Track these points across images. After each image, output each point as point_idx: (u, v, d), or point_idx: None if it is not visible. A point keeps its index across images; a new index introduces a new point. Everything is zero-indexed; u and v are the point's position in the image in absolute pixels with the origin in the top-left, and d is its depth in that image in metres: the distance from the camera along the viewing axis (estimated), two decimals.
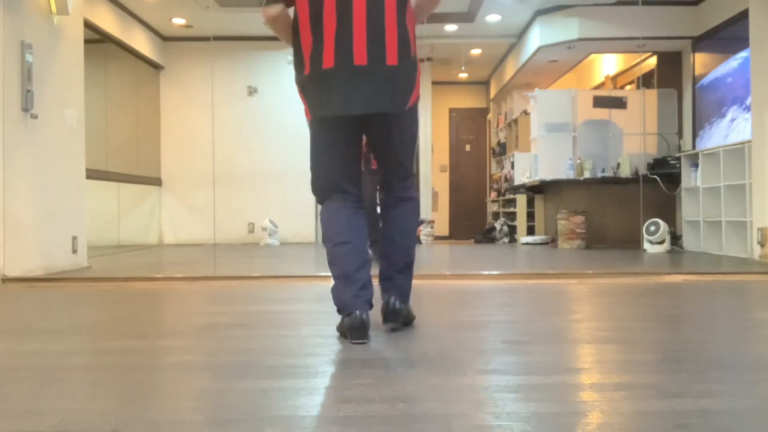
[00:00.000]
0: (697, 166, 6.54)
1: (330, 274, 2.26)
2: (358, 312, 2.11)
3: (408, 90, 2.21)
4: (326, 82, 2.15)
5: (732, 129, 6.22)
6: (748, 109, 5.76)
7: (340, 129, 2.24)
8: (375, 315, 2.26)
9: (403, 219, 2.38)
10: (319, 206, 2.36)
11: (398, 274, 2.32)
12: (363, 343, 2.11)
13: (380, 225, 2.42)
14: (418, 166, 8.14)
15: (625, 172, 7.34)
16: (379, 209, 2.50)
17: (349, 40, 2.11)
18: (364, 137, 2.37)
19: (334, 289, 2.21)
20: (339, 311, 2.20)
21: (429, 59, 9.08)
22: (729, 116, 6.34)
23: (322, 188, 2.32)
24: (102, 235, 7.02)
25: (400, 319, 2.32)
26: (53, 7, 4.59)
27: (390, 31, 2.13)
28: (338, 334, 2.26)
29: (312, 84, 2.19)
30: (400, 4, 2.17)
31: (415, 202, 2.42)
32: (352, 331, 2.12)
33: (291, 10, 2.27)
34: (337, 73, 2.13)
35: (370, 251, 2.34)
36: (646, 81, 7.83)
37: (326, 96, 2.17)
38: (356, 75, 2.12)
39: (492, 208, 10.53)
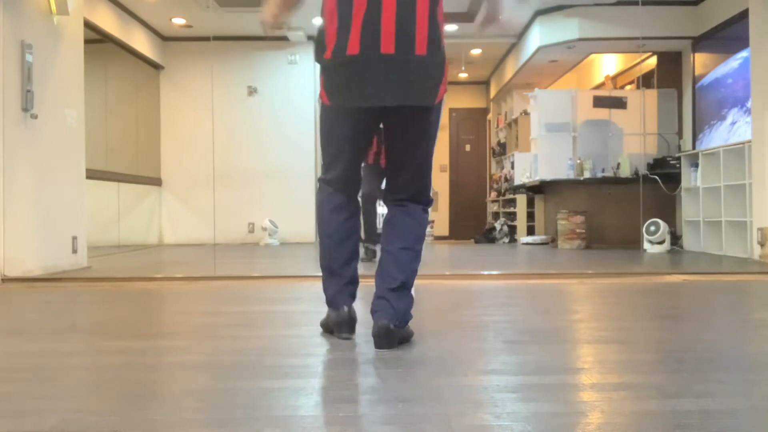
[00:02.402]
0: (697, 166, 6.54)
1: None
2: (345, 308, 2.13)
3: (437, 83, 2.07)
4: (350, 70, 2.02)
5: (733, 133, 6.20)
6: (748, 112, 5.74)
7: (357, 120, 2.11)
8: (368, 317, 2.24)
9: (404, 232, 2.15)
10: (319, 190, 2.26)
11: (392, 293, 2.07)
12: (349, 339, 2.13)
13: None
14: None
15: (625, 172, 7.34)
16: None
17: (377, 26, 1.97)
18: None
19: (323, 281, 2.22)
20: (327, 303, 2.21)
21: None
22: (729, 119, 6.33)
23: (324, 179, 2.24)
24: (102, 235, 7.02)
25: (393, 342, 2.05)
26: (53, 7, 4.58)
27: (420, 20, 2.00)
28: (322, 330, 2.28)
29: (334, 69, 2.06)
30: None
31: (424, 213, 2.21)
32: (339, 326, 2.13)
33: None
34: (363, 60, 1.99)
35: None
36: (646, 81, 7.83)
37: (349, 84, 2.04)
38: (383, 64, 1.99)
39: (492, 208, 10.52)
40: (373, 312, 2.07)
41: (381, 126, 2.18)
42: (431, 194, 2.25)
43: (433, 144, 2.19)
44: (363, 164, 3.87)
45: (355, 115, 2.10)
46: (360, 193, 2.30)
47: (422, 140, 2.14)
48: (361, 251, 5.35)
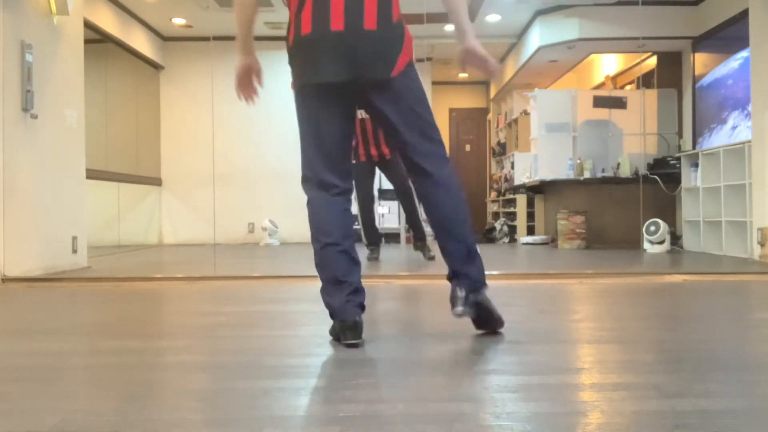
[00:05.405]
0: (697, 166, 6.53)
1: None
2: (355, 318, 2.06)
3: (391, 56, 2.07)
4: (305, 49, 2.08)
5: (733, 137, 6.17)
6: (749, 115, 5.73)
7: (323, 101, 2.12)
8: (368, 317, 2.25)
9: (443, 206, 2.19)
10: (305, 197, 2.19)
11: (463, 265, 2.20)
12: (357, 345, 2.05)
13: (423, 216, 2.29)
14: None
15: (625, 172, 7.33)
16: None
17: (326, 4, 2.02)
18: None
19: (323, 293, 2.13)
20: (331, 316, 2.13)
21: (429, 59, 9.07)
22: (730, 123, 6.31)
23: (306, 174, 2.18)
24: (102, 235, 7.01)
25: (468, 303, 2.16)
26: (53, 7, 4.58)
27: None
28: (331, 337, 2.20)
29: (294, 52, 2.12)
30: None
31: (451, 180, 2.19)
32: (345, 332, 2.06)
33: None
34: (315, 39, 2.04)
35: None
36: (646, 81, 7.83)
37: (305, 63, 2.08)
38: (333, 41, 2.03)
39: (492, 208, 10.52)
40: (451, 280, 2.23)
41: (363, 115, 2.20)
42: (442, 145, 2.22)
43: (420, 110, 2.15)
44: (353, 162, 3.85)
45: (319, 97, 2.11)
46: (353, 195, 2.25)
47: (399, 114, 2.12)
48: (366, 252, 5.35)
